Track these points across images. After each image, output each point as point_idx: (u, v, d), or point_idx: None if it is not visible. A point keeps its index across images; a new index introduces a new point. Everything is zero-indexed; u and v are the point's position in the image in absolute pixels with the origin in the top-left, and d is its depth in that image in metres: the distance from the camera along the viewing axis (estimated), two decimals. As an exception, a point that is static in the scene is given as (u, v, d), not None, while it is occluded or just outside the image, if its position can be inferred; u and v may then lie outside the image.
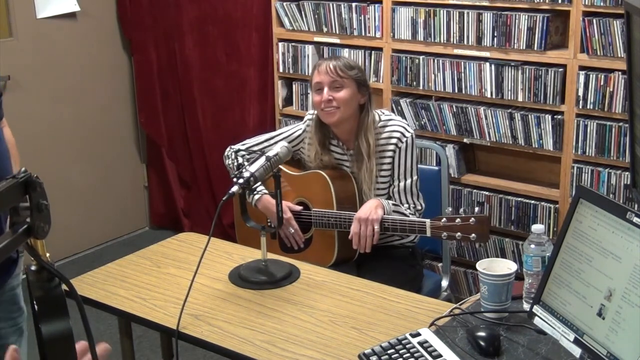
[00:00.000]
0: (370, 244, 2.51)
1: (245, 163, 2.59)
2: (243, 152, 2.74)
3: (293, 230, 2.65)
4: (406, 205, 2.64)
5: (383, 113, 2.69)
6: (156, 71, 4.49)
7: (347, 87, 2.59)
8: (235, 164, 2.73)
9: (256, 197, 2.65)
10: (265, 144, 2.73)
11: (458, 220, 2.33)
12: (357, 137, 2.63)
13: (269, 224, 2.67)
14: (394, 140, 2.62)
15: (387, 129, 2.64)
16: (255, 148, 2.72)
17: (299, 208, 2.68)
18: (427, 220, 2.42)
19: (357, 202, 2.64)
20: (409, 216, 2.59)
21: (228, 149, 2.79)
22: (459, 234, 2.34)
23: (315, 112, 2.69)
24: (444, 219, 2.36)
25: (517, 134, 3.28)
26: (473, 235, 2.31)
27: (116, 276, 2.34)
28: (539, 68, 3.16)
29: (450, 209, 2.39)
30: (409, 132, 2.63)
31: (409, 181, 2.63)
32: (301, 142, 2.76)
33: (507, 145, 3.35)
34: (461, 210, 2.37)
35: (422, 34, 3.43)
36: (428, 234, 2.42)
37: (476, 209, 2.47)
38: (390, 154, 2.63)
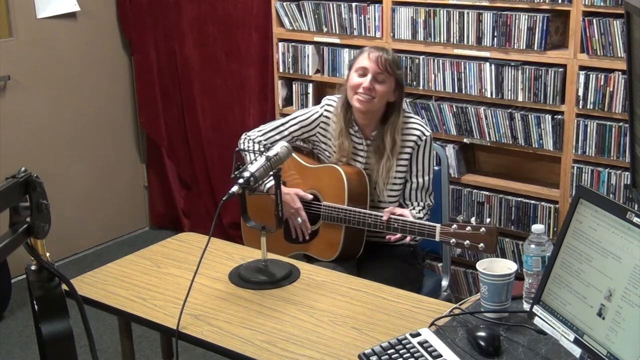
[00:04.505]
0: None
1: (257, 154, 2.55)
2: (260, 140, 2.76)
3: (301, 221, 2.66)
4: (418, 202, 2.68)
5: (404, 110, 2.72)
6: (156, 71, 4.49)
7: (387, 83, 2.63)
8: (255, 147, 2.73)
9: (268, 185, 2.54)
10: (281, 128, 2.76)
11: (469, 228, 2.32)
12: (384, 133, 2.66)
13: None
14: (413, 138, 2.66)
15: (406, 126, 2.68)
16: (270, 134, 2.76)
17: (310, 197, 2.69)
18: (438, 225, 2.41)
19: (367, 200, 2.65)
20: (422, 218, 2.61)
21: (243, 135, 2.81)
22: (467, 242, 2.33)
23: (337, 100, 2.72)
24: (455, 226, 2.35)
25: (517, 134, 3.28)
26: (481, 245, 2.31)
27: (116, 276, 2.34)
28: (539, 68, 3.16)
29: (462, 217, 2.38)
30: (428, 131, 2.69)
31: (426, 178, 2.69)
32: (317, 127, 2.77)
33: (507, 145, 3.35)
34: (472, 219, 2.36)
35: (422, 34, 3.43)
36: (437, 238, 2.42)
37: (487, 220, 2.45)
38: (408, 150, 2.67)
